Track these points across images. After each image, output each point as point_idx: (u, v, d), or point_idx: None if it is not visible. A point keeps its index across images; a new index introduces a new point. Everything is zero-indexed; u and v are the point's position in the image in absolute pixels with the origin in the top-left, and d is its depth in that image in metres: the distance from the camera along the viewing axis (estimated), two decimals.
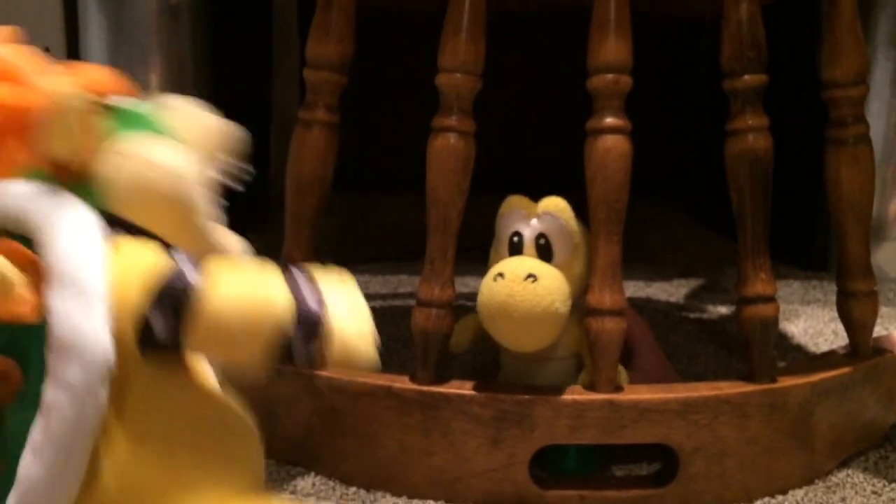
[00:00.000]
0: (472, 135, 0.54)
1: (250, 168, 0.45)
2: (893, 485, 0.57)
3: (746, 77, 0.55)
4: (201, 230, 0.42)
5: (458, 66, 0.53)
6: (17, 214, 0.36)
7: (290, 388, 0.56)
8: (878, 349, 0.63)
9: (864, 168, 0.58)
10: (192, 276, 0.36)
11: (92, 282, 0.34)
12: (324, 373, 0.56)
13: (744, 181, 0.55)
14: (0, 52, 0.38)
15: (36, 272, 0.35)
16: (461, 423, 0.53)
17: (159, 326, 0.35)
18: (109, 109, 0.39)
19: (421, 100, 0.57)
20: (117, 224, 0.38)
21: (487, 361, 0.59)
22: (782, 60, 0.55)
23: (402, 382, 0.54)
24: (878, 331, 0.63)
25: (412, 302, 0.55)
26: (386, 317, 0.95)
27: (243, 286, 0.36)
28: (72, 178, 0.38)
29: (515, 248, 0.54)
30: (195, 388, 0.38)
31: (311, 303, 0.37)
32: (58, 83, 0.39)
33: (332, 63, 0.57)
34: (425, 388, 0.53)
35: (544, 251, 0.54)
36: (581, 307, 0.56)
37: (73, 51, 1.19)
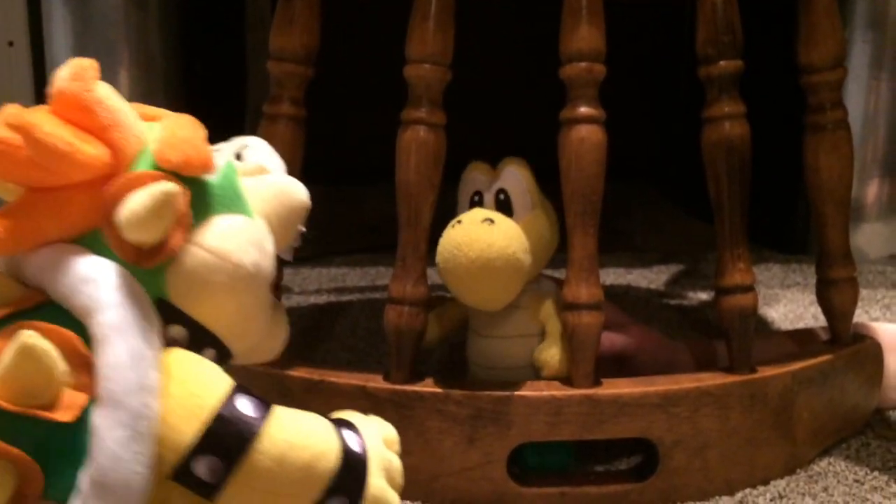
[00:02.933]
0: (443, 127, 0.53)
1: (310, 233, 0.44)
2: (876, 473, 0.56)
3: (722, 63, 0.53)
4: (259, 325, 0.40)
5: (426, 56, 0.52)
6: (76, 294, 0.34)
7: (259, 388, 0.55)
8: (859, 335, 0.62)
9: (844, 155, 0.57)
10: (251, 412, 0.34)
11: (143, 414, 0.32)
12: (295, 372, 0.54)
13: (721, 170, 0.54)
14: (101, 98, 0.35)
15: (84, 368, 0.33)
16: (436, 422, 0.51)
17: (204, 470, 0.33)
18: (191, 183, 0.36)
19: (398, 89, 0.55)
20: (176, 318, 0.36)
21: (458, 357, 0.58)
22: (756, 42, 0.54)
23: (376, 382, 0.53)
24: (858, 314, 0.62)
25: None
26: (364, 310, 0.94)
27: (301, 436, 0.35)
28: (137, 258, 0.35)
29: (476, 207, 0.54)
30: None
31: (357, 451, 0.36)
32: (142, 147, 0.36)
33: (297, 55, 0.55)
34: (399, 387, 0.52)
35: (503, 206, 0.54)
36: (542, 286, 0.56)
37: (36, 46, 1.16)
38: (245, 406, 0.34)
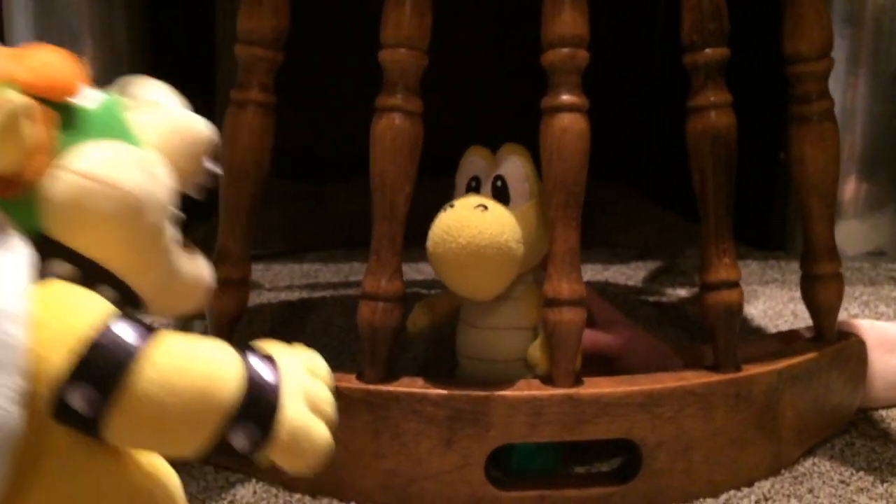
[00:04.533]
0: (420, 115, 0.51)
1: (220, 171, 0.41)
2: (861, 473, 0.55)
3: (708, 51, 0.52)
4: (158, 259, 0.36)
5: (403, 40, 0.50)
6: None
7: None
8: (843, 333, 0.61)
9: (830, 146, 0.56)
10: (130, 338, 0.31)
11: (8, 344, 0.29)
12: None
13: (706, 161, 0.52)
14: None
15: None
16: (412, 424, 0.49)
17: (79, 401, 0.30)
18: (60, 109, 0.34)
19: (376, 82, 0.53)
20: (59, 252, 0.33)
21: (441, 353, 0.56)
22: (733, 33, 0.52)
23: (349, 381, 0.51)
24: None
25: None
26: (337, 307, 0.91)
27: (191, 361, 0.32)
28: (4, 191, 0.32)
29: (473, 192, 0.53)
30: (120, 460, 0.34)
31: (268, 380, 0.33)
32: (3, 79, 0.33)
33: (266, 38, 0.53)
34: (373, 386, 0.50)
35: (500, 193, 0.52)
36: (538, 278, 0.54)
37: None
38: (124, 331, 0.31)
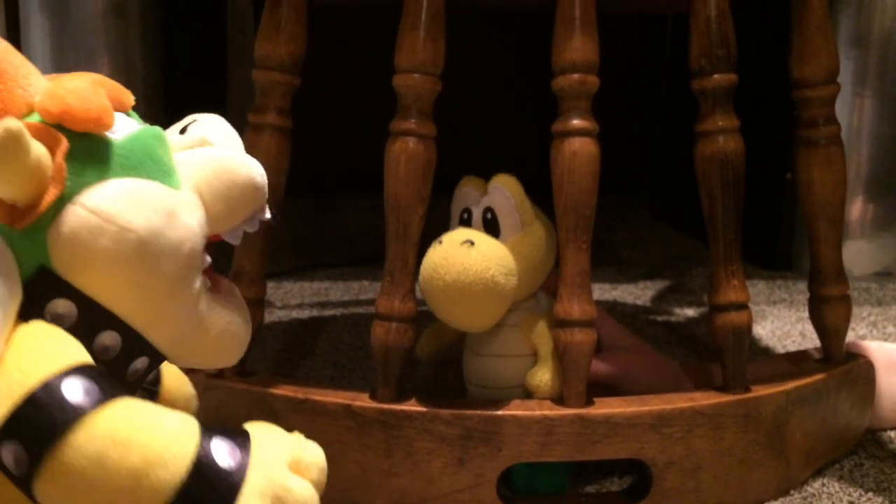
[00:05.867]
0: (433, 138, 0.52)
1: (276, 216, 0.39)
2: (870, 494, 0.55)
3: (716, 76, 0.53)
4: (177, 309, 0.34)
5: (416, 65, 0.51)
6: None
7: (242, 407, 0.53)
8: (851, 354, 0.62)
9: (837, 170, 0.56)
10: (76, 399, 0.29)
11: None
12: (278, 390, 0.53)
13: (715, 185, 0.53)
14: None
15: None
16: (425, 443, 0.50)
17: (8, 458, 0.29)
18: (83, 140, 0.32)
19: (382, 100, 0.54)
20: (63, 290, 0.32)
21: (454, 373, 0.56)
22: (741, 55, 0.53)
23: (362, 400, 0.51)
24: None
25: (374, 309, 0.52)
26: (347, 325, 0.92)
27: (134, 436, 0.29)
28: (10, 219, 0.31)
29: (465, 225, 0.53)
30: None
31: (225, 468, 0.30)
32: (19, 97, 0.32)
33: (283, 63, 0.54)
34: (386, 406, 0.50)
35: (490, 225, 0.53)
36: (540, 303, 0.55)
37: None
38: (74, 390, 0.29)
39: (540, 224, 0.53)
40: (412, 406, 0.50)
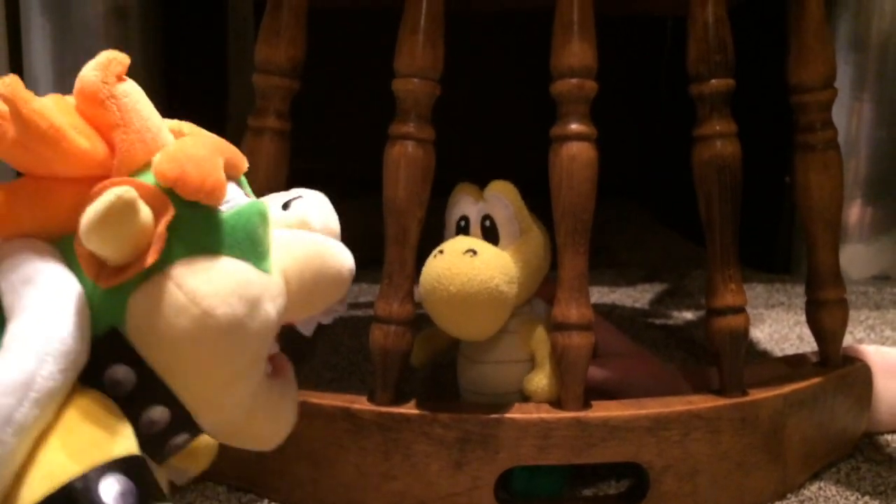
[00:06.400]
0: (432, 143, 0.52)
1: (344, 309, 0.38)
2: (867, 497, 0.56)
3: (713, 81, 0.53)
4: (232, 399, 0.34)
5: (416, 70, 0.51)
6: (11, 292, 0.30)
7: None
8: (848, 358, 0.62)
9: (834, 174, 0.57)
10: (111, 497, 0.28)
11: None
12: None
13: (712, 189, 0.53)
14: (117, 94, 0.32)
15: None
16: (423, 446, 0.50)
17: None
18: (190, 208, 0.32)
19: (382, 103, 0.54)
20: (127, 355, 0.31)
21: (451, 377, 0.57)
22: (738, 60, 0.53)
23: (360, 403, 0.51)
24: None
25: (373, 312, 0.52)
26: (346, 328, 0.92)
27: None
28: (96, 273, 0.30)
29: (462, 232, 0.53)
30: None
31: None
32: (139, 151, 0.32)
33: (283, 67, 0.54)
34: (384, 409, 0.51)
35: (489, 233, 0.52)
36: (536, 309, 0.55)
37: (15, 57, 1.14)
38: (110, 491, 0.28)
39: (537, 230, 0.54)
40: (410, 409, 0.51)
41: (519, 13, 0.71)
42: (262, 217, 0.35)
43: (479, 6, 0.70)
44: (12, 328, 0.29)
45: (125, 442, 0.31)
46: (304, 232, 0.36)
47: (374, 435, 0.50)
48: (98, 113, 0.32)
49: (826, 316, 0.59)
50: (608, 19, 0.53)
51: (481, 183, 0.55)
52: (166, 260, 0.32)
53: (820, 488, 0.57)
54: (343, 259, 0.37)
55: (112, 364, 0.31)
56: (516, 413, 0.50)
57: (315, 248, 0.36)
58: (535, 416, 0.50)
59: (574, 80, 0.51)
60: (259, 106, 0.55)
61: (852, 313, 1.01)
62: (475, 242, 0.50)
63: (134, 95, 0.33)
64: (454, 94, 0.57)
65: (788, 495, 0.56)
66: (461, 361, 0.55)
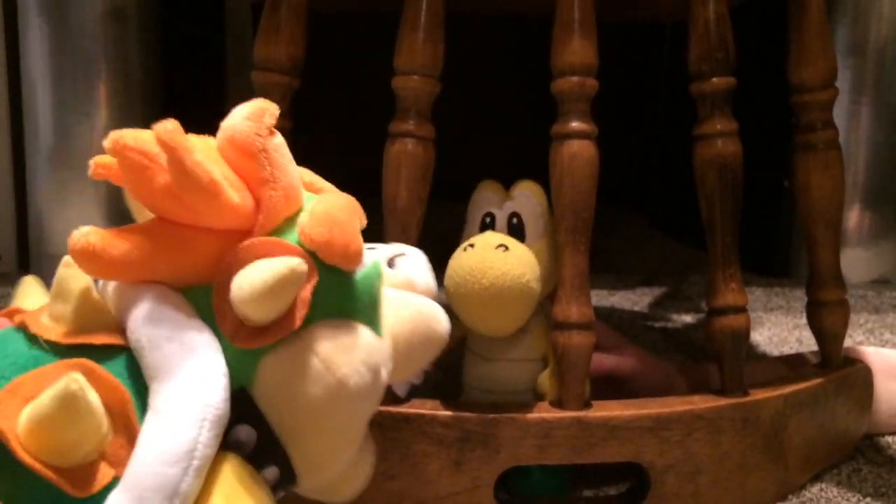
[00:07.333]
0: (432, 141, 0.52)
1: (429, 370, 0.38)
2: (868, 499, 0.55)
3: (715, 80, 0.53)
4: (339, 458, 0.34)
5: (416, 67, 0.51)
6: (154, 349, 0.29)
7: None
8: (848, 359, 0.61)
9: (834, 174, 0.57)
10: None
11: None
12: None
13: (713, 188, 0.53)
14: (268, 148, 0.31)
15: (125, 435, 0.28)
16: (423, 445, 0.50)
17: None
18: (330, 274, 0.32)
19: (382, 102, 0.54)
20: (251, 414, 0.31)
21: (450, 377, 0.56)
22: (738, 62, 0.53)
23: None
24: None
25: None
26: None
27: None
28: (235, 334, 0.30)
29: (488, 229, 0.53)
30: None
31: None
32: (292, 213, 0.31)
33: (282, 65, 0.54)
34: (384, 408, 0.50)
35: (516, 230, 0.53)
36: (546, 309, 0.55)
37: (12, 59, 1.14)
38: None
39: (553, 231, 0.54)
40: (410, 408, 0.50)
41: (519, 13, 0.71)
42: (380, 278, 0.35)
43: (479, 7, 0.70)
44: (165, 391, 0.29)
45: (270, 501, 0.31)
46: (411, 294, 0.36)
47: (374, 434, 0.50)
48: (248, 165, 0.31)
49: (827, 316, 0.58)
50: (605, 25, 0.53)
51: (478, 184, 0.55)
52: (303, 325, 0.31)
53: (821, 489, 0.57)
54: (445, 323, 0.37)
55: (238, 423, 0.31)
56: (517, 412, 0.50)
57: (423, 313, 0.36)
58: (535, 415, 0.50)
59: (575, 78, 0.50)
60: None
61: (852, 317, 1.01)
62: (505, 238, 0.50)
63: (283, 150, 0.33)
64: (453, 95, 0.57)
65: (790, 496, 0.56)
66: (471, 359, 0.55)
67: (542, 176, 0.52)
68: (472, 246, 0.49)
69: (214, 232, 0.31)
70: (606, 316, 0.99)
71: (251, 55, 0.54)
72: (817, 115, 0.57)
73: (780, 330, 0.95)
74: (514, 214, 0.53)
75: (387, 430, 0.50)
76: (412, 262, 0.38)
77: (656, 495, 0.51)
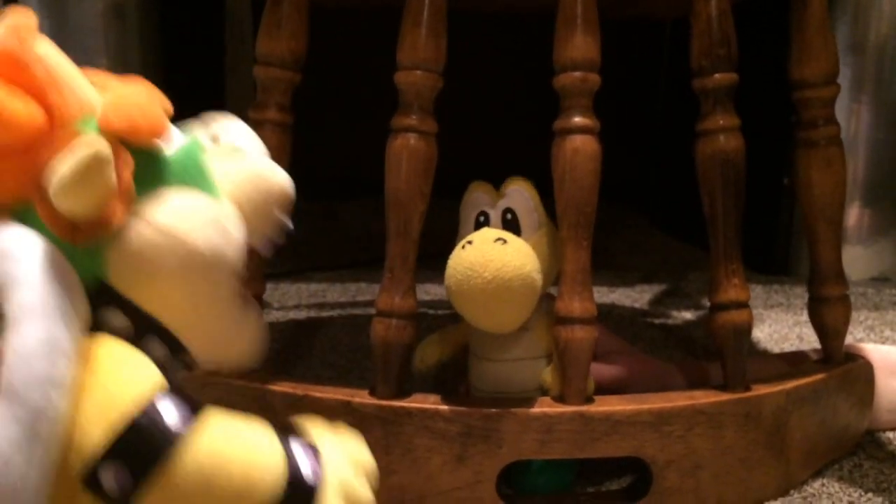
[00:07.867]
0: (434, 135, 0.52)
1: (291, 225, 0.39)
2: (870, 494, 0.55)
3: (717, 76, 0.53)
4: (215, 317, 0.35)
5: (418, 62, 0.51)
6: None
7: (239, 403, 0.53)
8: (850, 355, 0.62)
9: (836, 171, 0.57)
10: (173, 421, 0.29)
11: (44, 411, 0.28)
12: (277, 387, 0.52)
13: (715, 184, 0.53)
14: (40, 56, 0.31)
15: None
16: (424, 440, 0.50)
17: (110, 482, 0.29)
18: (140, 153, 0.32)
19: (383, 101, 0.54)
20: (116, 303, 0.32)
21: (452, 373, 0.56)
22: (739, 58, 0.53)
23: (362, 397, 0.51)
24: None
25: (372, 310, 0.52)
26: (345, 327, 0.92)
27: (232, 454, 0.30)
28: (70, 234, 0.31)
29: (482, 227, 0.53)
30: None
31: (307, 475, 0.32)
32: (86, 113, 0.31)
33: (284, 60, 0.54)
34: (386, 402, 0.50)
35: (511, 225, 0.52)
36: (545, 306, 0.54)
37: None
38: (168, 411, 0.30)
39: (551, 224, 0.54)
40: (412, 403, 0.50)
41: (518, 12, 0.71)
42: (203, 150, 0.36)
43: (480, 5, 0.70)
44: (15, 300, 0.29)
45: (154, 370, 0.31)
46: (241, 158, 0.37)
47: (375, 429, 0.50)
48: (20, 76, 0.31)
49: (828, 312, 0.58)
50: (605, 24, 0.53)
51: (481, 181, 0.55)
52: (134, 206, 0.32)
53: (823, 485, 0.57)
54: (280, 173, 0.38)
55: (107, 315, 0.32)
56: (519, 407, 0.50)
57: (256, 170, 0.37)
58: (537, 410, 0.50)
59: (577, 74, 0.50)
60: (260, 99, 0.54)
61: (852, 314, 1.02)
62: (502, 233, 0.49)
63: (55, 54, 0.33)
64: (458, 88, 0.57)
65: (791, 491, 0.56)
66: (474, 363, 0.54)
67: (545, 174, 0.52)
68: (470, 243, 0.49)
69: (14, 148, 0.31)
70: (606, 313, 0.99)
71: (251, 52, 0.54)
72: (819, 111, 0.57)
73: (780, 327, 0.95)
74: (507, 210, 0.53)
75: (389, 424, 0.50)
76: (233, 130, 0.39)
77: (658, 490, 0.51)
